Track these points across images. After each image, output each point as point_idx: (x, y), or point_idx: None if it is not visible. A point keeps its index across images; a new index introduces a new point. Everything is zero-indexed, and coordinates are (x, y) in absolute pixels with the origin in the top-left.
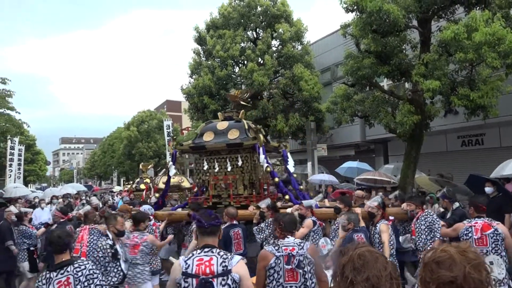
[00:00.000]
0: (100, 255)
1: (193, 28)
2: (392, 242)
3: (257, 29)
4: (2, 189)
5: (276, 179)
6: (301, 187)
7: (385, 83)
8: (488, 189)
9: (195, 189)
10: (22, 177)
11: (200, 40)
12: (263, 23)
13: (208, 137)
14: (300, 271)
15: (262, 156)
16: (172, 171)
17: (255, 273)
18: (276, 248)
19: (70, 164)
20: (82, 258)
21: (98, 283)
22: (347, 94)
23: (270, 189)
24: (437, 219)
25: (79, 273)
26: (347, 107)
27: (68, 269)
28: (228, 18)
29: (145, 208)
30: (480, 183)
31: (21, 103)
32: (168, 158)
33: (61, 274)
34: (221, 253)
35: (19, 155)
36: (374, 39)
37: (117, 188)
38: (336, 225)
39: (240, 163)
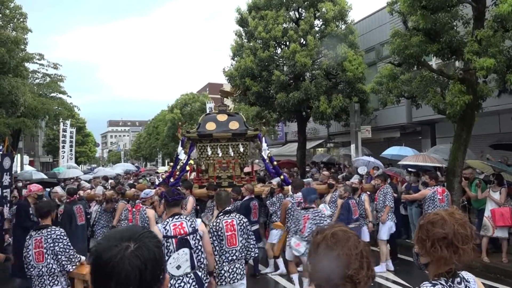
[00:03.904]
0: None
1: (235, 10)
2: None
3: (300, 9)
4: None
5: (275, 163)
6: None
7: (434, 62)
8: None
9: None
10: (74, 158)
11: (242, 22)
12: (306, 3)
13: (210, 127)
14: None
15: (264, 144)
16: (182, 155)
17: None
18: (292, 198)
19: (117, 146)
20: (55, 227)
21: (62, 246)
22: (393, 74)
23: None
24: (390, 192)
25: (48, 236)
26: (393, 87)
27: (43, 231)
28: None
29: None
30: None
31: (71, 88)
32: None
33: (38, 234)
34: (187, 217)
35: (71, 137)
36: (423, 16)
37: (161, 169)
38: (335, 197)
39: (241, 149)
